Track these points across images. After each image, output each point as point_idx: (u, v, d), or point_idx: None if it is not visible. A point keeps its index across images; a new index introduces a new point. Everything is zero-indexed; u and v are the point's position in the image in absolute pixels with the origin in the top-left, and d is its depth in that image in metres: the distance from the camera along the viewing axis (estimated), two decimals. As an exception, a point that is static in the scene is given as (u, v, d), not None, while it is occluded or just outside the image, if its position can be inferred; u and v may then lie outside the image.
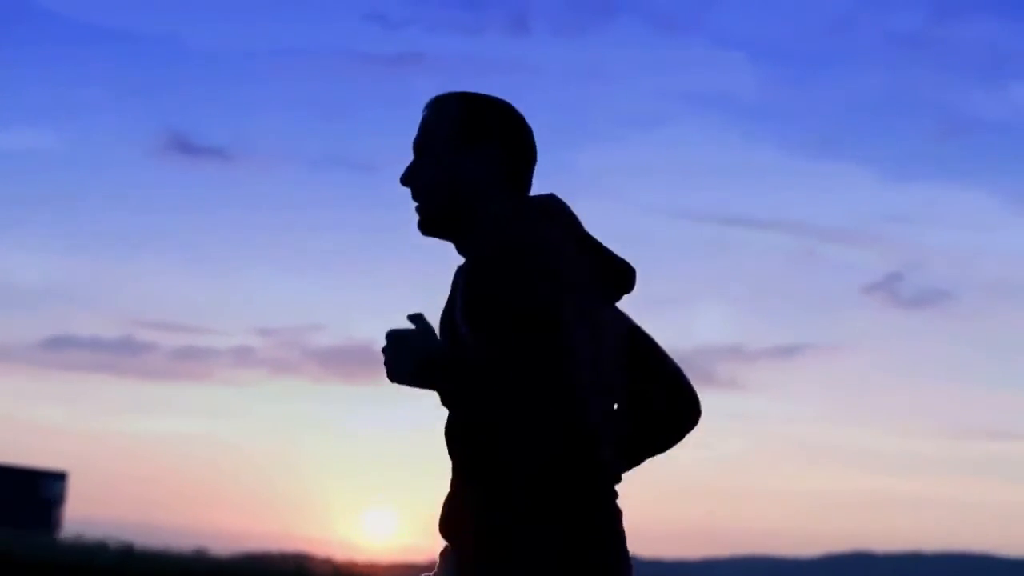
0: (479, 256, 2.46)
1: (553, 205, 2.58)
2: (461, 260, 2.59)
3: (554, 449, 2.35)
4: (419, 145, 2.62)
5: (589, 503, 2.43)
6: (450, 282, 2.55)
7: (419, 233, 2.62)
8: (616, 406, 2.57)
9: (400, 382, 2.42)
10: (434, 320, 2.52)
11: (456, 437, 2.48)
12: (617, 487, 2.54)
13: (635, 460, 2.68)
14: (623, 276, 2.59)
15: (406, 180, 2.62)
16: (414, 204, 2.61)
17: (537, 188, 2.65)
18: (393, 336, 2.42)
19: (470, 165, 2.56)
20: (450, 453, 2.51)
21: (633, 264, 2.60)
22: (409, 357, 2.39)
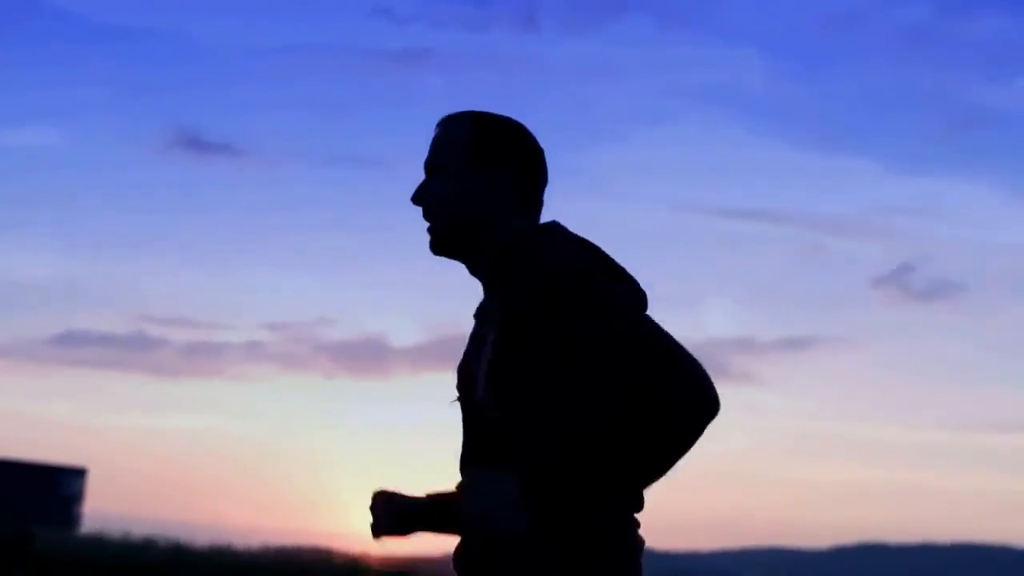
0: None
1: (563, 229, 2.58)
2: (471, 281, 2.63)
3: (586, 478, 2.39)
4: (431, 164, 2.61)
5: (604, 533, 2.43)
6: (459, 282, 2.61)
7: (431, 253, 2.62)
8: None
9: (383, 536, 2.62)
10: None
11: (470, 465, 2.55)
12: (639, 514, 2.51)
13: (661, 470, 2.49)
14: (643, 296, 2.54)
15: (417, 199, 2.61)
16: (426, 224, 2.61)
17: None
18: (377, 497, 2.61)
19: (483, 186, 2.56)
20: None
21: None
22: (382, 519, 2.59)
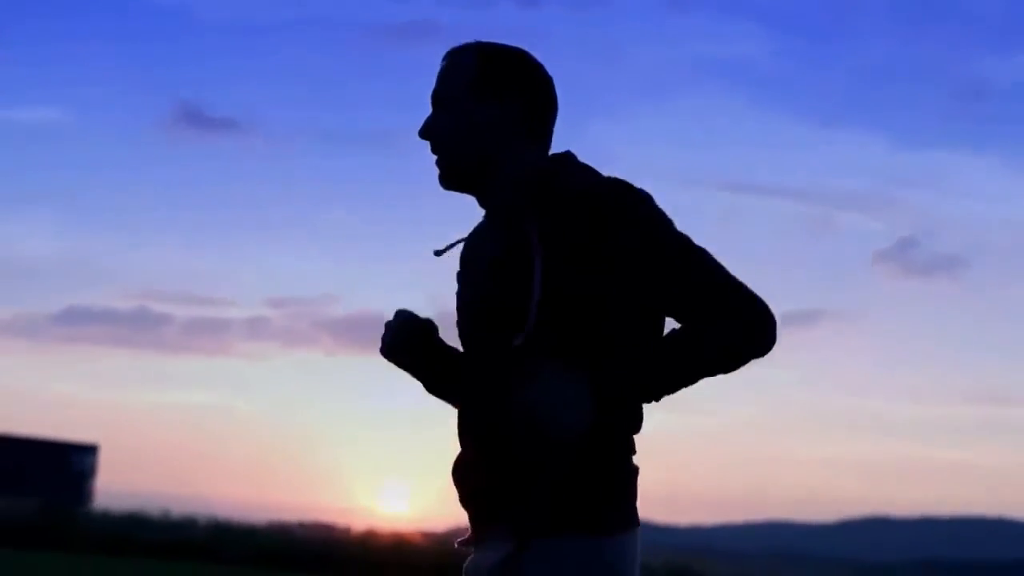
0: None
1: (576, 160, 2.56)
2: (480, 215, 2.61)
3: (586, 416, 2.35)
4: (437, 97, 2.58)
5: (603, 452, 2.41)
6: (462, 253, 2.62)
7: (441, 188, 2.58)
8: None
9: (388, 359, 2.61)
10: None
11: (472, 419, 2.51)
12: (635, 437, 2.49)
13: (694, 378, 2.43)
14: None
15: (425, 133, 2.57)
16: (434, 157, 2.58)
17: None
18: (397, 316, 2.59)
19: (491, 117, 2.53)
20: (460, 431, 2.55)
21: None
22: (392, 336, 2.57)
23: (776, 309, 2.39)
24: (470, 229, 2.64)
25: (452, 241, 2.62)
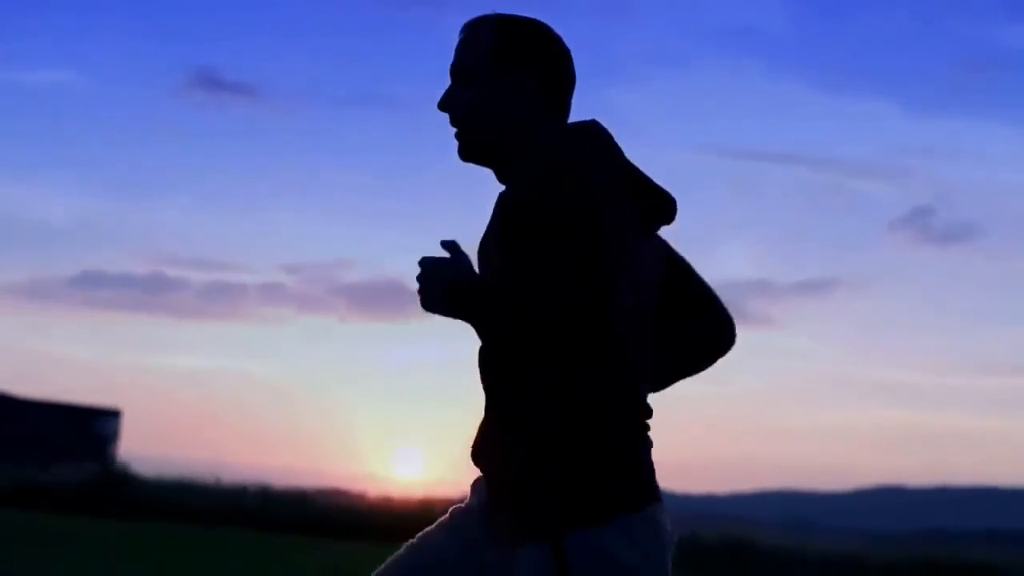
0: (524, 180, 2.45)
1: (595, 131, 2.55)
2: (499, 190, 2.57)
3: (590, 370, 2.38)
4: (456, 70, 2.58)
5: (619, 434, 2.43)
6: (487, 215, 2.54)
7: (459, 160, 2.58)
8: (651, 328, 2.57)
9: (432, 310, 2.40)
10: (470, 250, 2.52)
11: (489, 365, 2.48)
12: (649, 420, 2.51)
13: (667, 382, 2.67)
14: (664, 205, 2.56)
15: (444, 106, 2.58)
16: (453, 131, 2.58)
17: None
18: (427, 263, 2.41)
19: (509, 90, 2.53)
20: (483, 381, 2.51)
21: None
22: (439, 285, 2.38)
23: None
24: (488, 196, 2.59)
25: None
